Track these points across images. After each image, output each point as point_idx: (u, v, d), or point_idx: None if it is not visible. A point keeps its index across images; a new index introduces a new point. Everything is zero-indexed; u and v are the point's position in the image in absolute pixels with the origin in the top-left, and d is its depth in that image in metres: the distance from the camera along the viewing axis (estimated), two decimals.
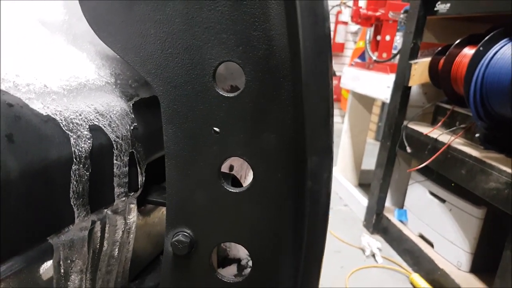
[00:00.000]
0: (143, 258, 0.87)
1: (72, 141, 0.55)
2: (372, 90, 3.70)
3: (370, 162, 4.28)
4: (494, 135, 2.42)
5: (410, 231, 3.25)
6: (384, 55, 3.76)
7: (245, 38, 0.59)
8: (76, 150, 0.55)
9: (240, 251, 1.23)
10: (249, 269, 1.14)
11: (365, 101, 4.36)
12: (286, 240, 0.67)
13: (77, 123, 0.57)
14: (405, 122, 3.16)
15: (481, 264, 2.73)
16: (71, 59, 0.67)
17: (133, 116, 0.69)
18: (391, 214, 3.51)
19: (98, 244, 0.65)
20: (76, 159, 0.55)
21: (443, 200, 2.89)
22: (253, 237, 0.68)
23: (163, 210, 0.87)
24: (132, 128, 0.68)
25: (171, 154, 0.65)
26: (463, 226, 2.72)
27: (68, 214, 0.56)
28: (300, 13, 0.58)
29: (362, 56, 5.41)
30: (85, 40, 0.71)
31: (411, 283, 2.88)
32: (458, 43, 2.64)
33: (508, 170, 2.14)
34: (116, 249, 0.69)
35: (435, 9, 2.86)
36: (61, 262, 0.57)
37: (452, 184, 2.75)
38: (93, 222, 0.62)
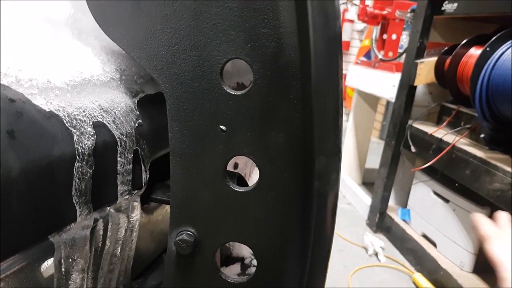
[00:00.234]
0: (145, 256, 0.87)
1: (75, 138, 0.54)
2: (377, 89, 3.68)
3: (374, 161, 4.26)
4: (499, 136, 2.41)
5: (413, 231, 3.23)
6: (390, 54, 3.74)
7: (254, 35, 0.57)
8: (79, 147, 0.54)
9: (244, 250, 1.22)
10: (252, 268, 1.14)
11: (370, 100, 4.34)
12: (292, 241, 0.66)
13: (80, 120, 0.55)
14: (410, 122, 3.14)
15: (484, 265, 2.72)
16: (76, 54, 0.66)
17: (138, 112, 0.68)
18: (395, 213, 3.50)
19: (101, 243, 0.64)
20: (79, 156, 0.54)
21: (447, 200, 2.88)
22: (259, 238, 0.67)
23: (166, 208, 0.86)
24: (137, 125, 0.67)
25: (176, 151, 0.64)
26: (467, 227, 2.71)
27: (70, 212, 0.55)
28: (311, 12, 0.56)
29: (367, 55, 5.39)
30: (90, 35, 0.70)
31: (414, 283, 2.87)
32: (465, 43, 2.62)
33: None
34: (119, 248, 0.68)
35: (442, 8, 2.84)
36: (62, 261, 0.56)
37: (456, 184, 2.74)
38: (96, 220, 0.61)
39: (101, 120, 0.59)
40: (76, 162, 0.54)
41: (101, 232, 0.63)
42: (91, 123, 0.57)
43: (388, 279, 2.94)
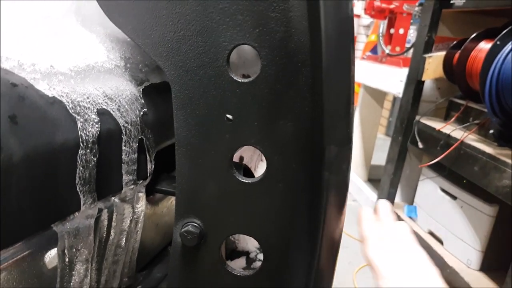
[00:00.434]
0: (151, 248, 0.85)
1: (79, 124, 0.52)
2: (384, 84, 3.65)
3: (380, 157, 4.24)
4: (508, 132, 2.38)
5: (420, 228, 3.21)
6: (398, 48, 3.71)
7: (262, 20, 0.56)
8: (83, 134, 0.53)
9: (249, 244, 1.21)
10: (258, 263, 1.12)
11: (377, 95, 4.31)
12: (300, 234, 0.65)
13: (84, 106, 0.54)
14: (417, 117, 3.11)
15: (491, 263, 2.69)
16: (80, 41, 0.64)
17: (143, 101, 0.67)
18: (401, 210, 3.47)
19: (105, 233, 0.63)
20: (82, 143, 0.53)
21: (454, 197, 2.85)
22: (265, 230, 0.66)
23: (172, 200, 0.85)
24: (141, 113, 0.65)
25: (182, 141, 0.63)
26: (474, 224, 2.68)
27: (74, 201, 0.53)
28: None
29: (374, 50, 5.36)
30: (94, 21, 0.69)
31: None
32: (474, 37, 2.59)
33: None
34: (124, 239, 0.67)
35: (451, 2, 2.80)
36: (65, 251, 0.54)
37: (464, 181, 2.71)
38: (100, 210, 0.60)
39: (105, 107, 0.58)
40: (80, 150, 0.52)
41: (105, 223, 0.62)
42: (95, 110, 0.56)
43: None
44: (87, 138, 0.53)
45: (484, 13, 2.96)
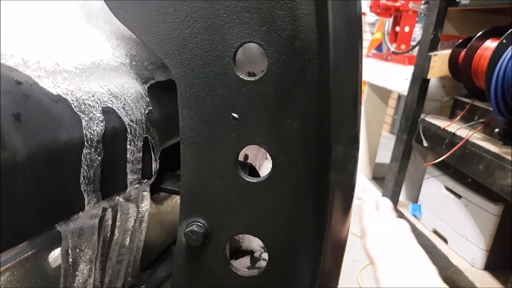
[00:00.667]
0: (155, 247, 0.85)
1: (83, 123, 0.52)
2: (389, 82, 3.63)
3: (384, 155, 4.23)
4: None
5: (424, 227, 3.20)
6: (403, 46, 3.69)
7: (269, 17, 0.55)
8: (87, 133, 0.52)
9: (253, 243, 1.20)
10: (262, 262, 1.12)
11: (382, 93, 4.30)
12: (306, 234, 0.64)
13: (89, 105, 0.53)
14: (422, 115, 3.10)
15: (496, 262, 2.68)
16: (85, 38, 0.64)
17: (148, 99, 0.66)
18: (405, 208, 3.46)
19: (109, 233, 0.62)
20: (87, 142, 0.52)
21: (459, 196, 2.84)
22: (271, 230, 0.65)
23: (176, 198, 0.84)
24: (147, 112, 0.64)
25: (187, 140, 0.62)
26: (479, 223, 2.67)
27: (78, 201, 0.53)
28: None
29: (379, 48, 5.34)
30: (100, 18, 0.68)
31: None
32: (480, 35, 2.57)
33: None
34: (128, 238, 0.66)
35: (457, 0, 2.79)
36: (69, 251, 0.54)
37: (469, 180, 2.70)
38: (104, 210, 0.59)
39: (110, 105, 0.57)
40: (84, 149, 0.52)
41: (110, 222, 0.61)
42: (100, 109, 0.55)
43: None
44: (91, 137, 0.53)
45: (490, 11, 2.94)
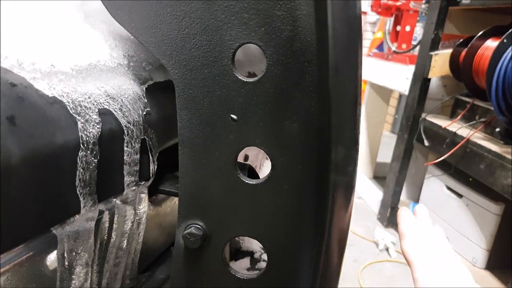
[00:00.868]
0: (153, 249, 0.84)
1: (79, 125, 0.51)
2: (390, 82, 3.63)
3: (385, 155, 4.22)
4: None
5: None
6: (404, 46, 3.68)
7: (268, 18, 0.54)
8: (83, 135, 0.51)
9: (253, 244, 1.19)
10: (262, 263, 1.11)
11: (383, 93, 4.29)
12: (305, 237, 0.63)
13: (85, 106, 0.53)
14: (423, 115, 3.10)
15: (497, 261, 2.69)
16: (82, 38, 0.63)
17: (146, 100, 0.65)
18: (406, 207, 3.45)
19: (106, 236, 0.61)
20: (83, 144, 0.51)
21: (460, 195, 2.84)
22: (270, 232, 0.64)
23: (175, 200, 0.84)
24: (144, 113, 0.64)
25: (185, 142, 0.62)
26: (480, 222, 2.67)
27: (74, 204, 0.52)
28: None
29: (380, 47, 5.33)
30: (97, 18, 0.68)
31: None
32: (481, 34, 2.57)
33: None
34: (125, 241, 0.66)
35: None
36: (65, 254, 0.53)
37: (470, 179, 2.70)
38: (101, 212, 0.58)
39: (107, 107, 0.57)
40: (80, 151, 0.51)
41: (107, 225, 0.60)
42: (97, 110, 0.55)
43: (399, 275, 2.90)
44: (87, 139, 0.52)
45: (491, 10, 2.94)
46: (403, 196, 3.57)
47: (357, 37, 0.56)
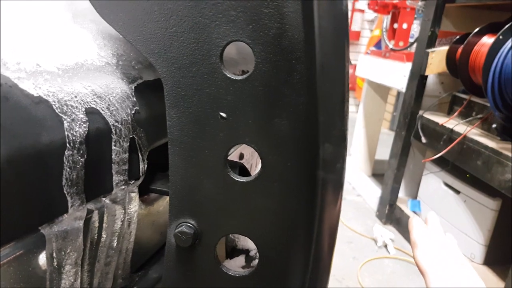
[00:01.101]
0: (146, 249, 0.84)
1: (65, 124, 0.51)
2: (388, 79, 3.63)
3: (384, 152, 4.22)
4: (511, 126, 2.36)
5: None
6: (401, 43, 3.68)
7: (255, 15, 0.54)
8: (69, 135, 0.51)
9: (249, 242, 1.19)
10: (257, 260, 1.11)
11: (381, 90, 4.29)
12: (296, 233, 0.63)
13: (72, 106, 0.53)
14: (420, 112, 3.10)
15: (495, 257, 2.69)
16: (69, 38, 0.63)
17: (134, 99, 0.65)
18: (405, 204, 3.46)
19: (96, 235, 0.61)
20: (69, 144, 0.51)
21: (457, 191, 2.84)
22: (261, 229, 0.64)
23: (168, 199, 0.84)
24: (133, 112, 0.64)
25: (175, 140, 0.62)
26: (478, 218, 2.68)
27: (61, 203, 0.52)
28: None
29: (378, 45, 5.33)
30: (86, 18, 0.67)
31: None
32: (477, 31, 2.57)
33: None
34: (116, 240, 0.66)
35: None
36: (54, 254, 0.53)
37: (467, 175, 2.70)
38: (90, 212, 0.58)
39: (94, 106, 0.56)
40: (66, 150, 0.51)
41: (96, 224, 0.60)
42: (84, 110, 0.54)
43: (398, 271, 2.91)
44: (74, 138, 0.52)
45: (487, 7, 2.94)
46: (401, 193, 3.57)
47: (343, 35, 0.56)
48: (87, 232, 0.59)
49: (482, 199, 2.62)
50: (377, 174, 4.41)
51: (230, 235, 1.13)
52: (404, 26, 3.70)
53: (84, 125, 0.53)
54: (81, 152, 0.53)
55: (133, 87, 0.66)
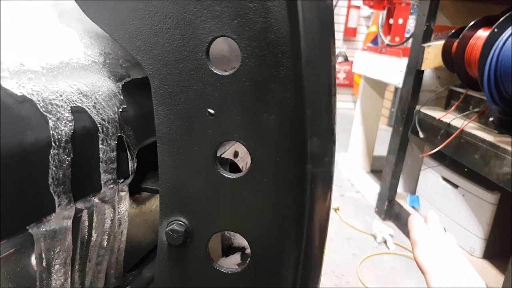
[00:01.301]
0: (140, 248, 0.84)
1: (50, 123, 0.51)
2: (385, 75, 3.63)
3: (382, 148, 4.22)
4: (508, 119, 2.36)
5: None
6: (397, 38, 3.68)
7: (240, 10, 0.54)
8: (55, 134, 0.51)
9: (245, 240, 1.19)
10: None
11: (378, 86, 4.29)
12: (286, 228, 0.63)
13: (56, 104, 0.52)
14: (417, 107, 3.10)
15: (494, 250, 2.69)
16: (54, 37, 0.62)
17: (122, 97, 0.65)
18: (403, 200, 3.46)
19: (87, 234, 0.61)
20: (55, 143, 0.51)
21: (456, 186, 2.84)
22: (252, 226, 0.64)
23: None
24: (120, 110, 0.63)
25: (163, 138, 0.62)
26: (476, 212, 2.67)
27: (48, 202, 0.52)
28: None
29: (375, 41, 5.33)
30: (72, 17, 0.67)
31: None
32: (473, 25, 2.57)
33: None
34: (106, 240, 0.65)
35: None
36: (43, 254, 0.53)
37: (465, 169, 2.70)
38: (79, 211, 0.58)
39: (80, 105, 0.56)
40: (52, 149, 0.51)
41: (86, 224, 0.60)
42: (69, 108, 0.54)
43: (397, 267, 2.91)
44: (59, 137, 0.51)
45: (481, 1, 2.94)
46: (400, 189, 3.57)
47: (328, 28, 0.55)
48: (76, 232, 0.58)
49: (481, 193, 2.62)
50: (375, 170, 4.41)
51: (226, 233, 1.13)
52: (400, 21, 3.70)
53: (70, 124, 0.53)
54: (67, 151, 0.53)
55: (121, 85, 0.66)
